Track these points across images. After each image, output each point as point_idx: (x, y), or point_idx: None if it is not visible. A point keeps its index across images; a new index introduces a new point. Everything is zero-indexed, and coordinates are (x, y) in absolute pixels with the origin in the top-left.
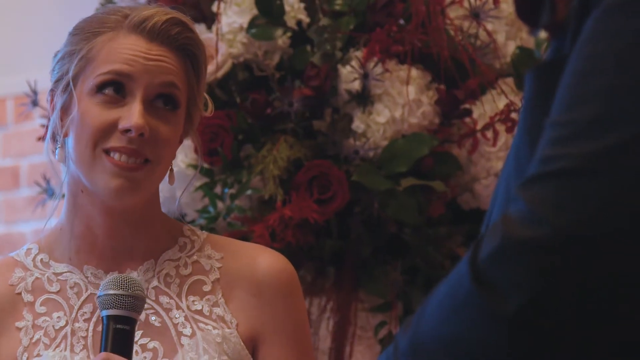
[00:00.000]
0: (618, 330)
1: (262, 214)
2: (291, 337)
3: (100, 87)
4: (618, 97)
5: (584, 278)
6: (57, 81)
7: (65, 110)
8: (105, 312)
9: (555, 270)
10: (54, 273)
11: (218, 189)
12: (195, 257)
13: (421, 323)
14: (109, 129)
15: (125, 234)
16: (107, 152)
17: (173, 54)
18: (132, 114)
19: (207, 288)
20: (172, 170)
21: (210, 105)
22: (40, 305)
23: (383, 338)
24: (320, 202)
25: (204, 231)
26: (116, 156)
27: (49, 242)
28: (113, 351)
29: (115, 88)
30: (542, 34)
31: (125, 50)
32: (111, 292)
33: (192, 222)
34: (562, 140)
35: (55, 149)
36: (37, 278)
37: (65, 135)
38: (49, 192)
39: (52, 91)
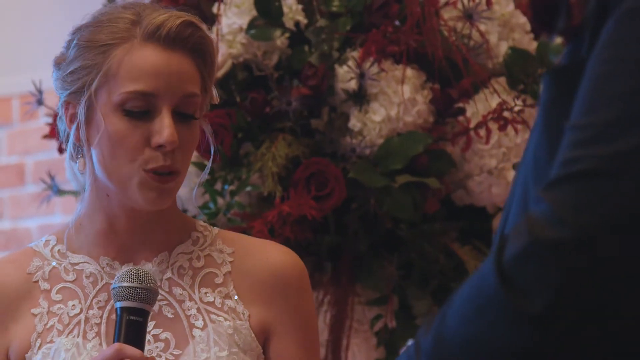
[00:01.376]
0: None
1: (261, 210)
2: (300, 330)
3: (126, 104)
4: (637, 101)
5: (607, 278)
6: (74, 93)
7: (88, 123)
8: (119, 304)
9: (579, 270)
10: (70, 263)
11: (218, 186)
12: (207, 251)
13: (444, 324)
14: (141, 145)
15: (145, 229)
16: (145, 170)
17: (188, 56)
18: (163, 130)
19: (218, 280)
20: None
21: (215, 94)
22: (56, 293)
23: (379, 331)
24: (317, 198)
25: (215, 227)
26: (156, 171)
27: (64, 235)
28: (126, 342)
29: (142, 104)
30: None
31: (146, 66)
32: (125, 284)
33: (193, 218)
34: (582, 143)
35: (76, 158)
36: (54, 267)
37: (89, 145)
38: (54, 189)
39: (67, 103)
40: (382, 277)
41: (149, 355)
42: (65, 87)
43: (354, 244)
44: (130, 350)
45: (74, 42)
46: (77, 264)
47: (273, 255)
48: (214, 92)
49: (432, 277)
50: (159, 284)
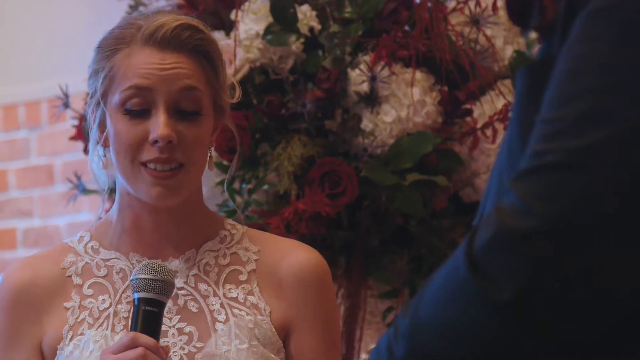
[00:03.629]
0: (605, 318)
1: (278, 207)
2: (321, 328)
3: (125, 104)
4: (602, 97)
5: (571, 267)
6: (91, 97)
7: (101, 124)
8: (136, 295)
9: (545, 259)
10: (102, 259)
11: (237, 185)
12: (234, 249)
13: (419, 307)
14: (141, 142)
15: (170, 227)
16: (144, 164)
17: (187, 58)
18: (158, 126)
19: (243, 277)
20: (211, 157)
21: (238, 90)
22: (88, 287)
23: (390, 322)
24: (331, 196)
25: (244, 226)
26: (152, 166)
27: (99, 232)
28: (142, 331)
29: (139, 103)
30: (533, 36)
31: (141, 65)
32: (142, 276)
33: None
34: (551, 136)
35: (100, 157)
36: (87, 263)
37: (106, 146)
38: (80, 188)
39: (89, 106)
40: (393, 271)
41: (165, 345)
42: (89, 91)
43: (366, 240)
44: (145, 338)
45: (94, 49)
46: (108, 260)
47: (296, 254)
48: (237, 90)
49: None
50: (177, 278)
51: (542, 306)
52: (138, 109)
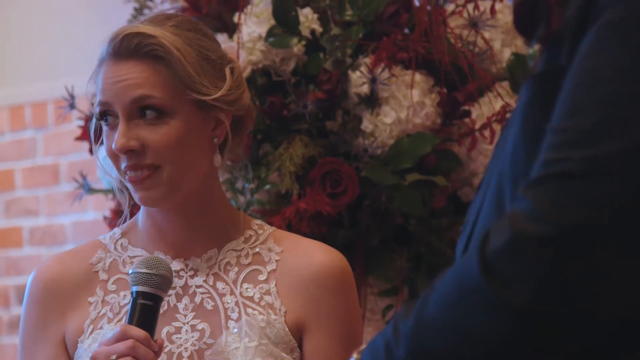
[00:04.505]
0: (617, 325)
1: (280, 207)
2: (336, 330)
3: (99, 118)
4: (617, 107)
5: (586, 273)
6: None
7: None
8: (134, 288)
9: (562, 264)
10: (129, 256)
11: (239, 184)
12: (257, 249)
13: (426, 310)
14: (115, 152)
15: (185, 227)
16: (123, 172)
17: (143, 64)
18: (116, 138)
19: (262, 277)
20: (217, 153)
21: (229, 80)
22: (112, 283)
23: (390, 320)
24: (332, 195)
25: (272, 226)
26: (129, 174)
27: (128, 229)
28: (136, 324)
29: (110, 116)
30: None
31: (103, 80)
32: (140, 270)
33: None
34: (564, 145)
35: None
36: (114, 259)
37: None
38: (85, 188)
39: None
40: (393, 269)
41: (159, 339)
42: None
43: (367, 239)
44: (136, 330)
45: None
46: (135, 257)
47: (317, 255)
48: (228, 80)
49: (440, 269)
50: (173, 274)
51: (556, 312)
52: (110, 122)
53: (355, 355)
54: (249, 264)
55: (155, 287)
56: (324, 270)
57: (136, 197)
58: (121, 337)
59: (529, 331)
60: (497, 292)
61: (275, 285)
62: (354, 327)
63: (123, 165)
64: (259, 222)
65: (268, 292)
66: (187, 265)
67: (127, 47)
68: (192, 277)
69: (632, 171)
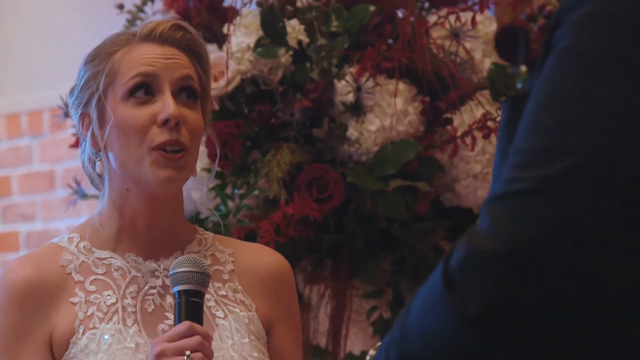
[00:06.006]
0: (563, 335)
1: (268, 211)
2: (296, 324)
3: (131, 92)
4: (565, 131)
5: (536, 285)
6: (87, 102)
7: (101, 124)
8: (177, 288)
9: (508, 279)
10: (97, 258)
11: (229, 190)
12: (211, 251)
13: (407, 319)
14: (148, 125)
15: (162, 227)
16: (154, 149)
17: (182, 54)
18: (167, 106)
19: (225, 277)
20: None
21: (215, 105)
22: (90, 284)
23: (375, 321)
24: (319, 201)
25: (208, 232)
26: (167, 148)
27: (85, 232)
28: (191, 321)
29: (145, 90)
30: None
31: (144, 56)
32: (182, 269)
33: (206, 219)
34: (521, 165)
35: (94, 162)
36: (83, 261)
37: (106, 146)
38: (79, 193)
39: (83, 115)
40: (378, 272)
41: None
42: (79, 102)
43: (352, 242)
44: (200, 328)
45: (82, 64)
46: (104, 259)
47: (266, 254)
48: (213, 101)
49: (423, 272)
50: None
51: (505, 322)
52: (143, 96)
53: (371, 351)
54: (210, 265)
55: (200, 284)
56: (278, 269)
57: (160, 175)
58: (188, 333)
59: (485, 341)
60: (455, 303)
61: (239, 284)
62: (300, 319)
63: (156, 140)
64: (198, 227)
65: (236, 290)
66: (159, 266)
67: (172, 36)
68: (167, 277)
69: (580, 189)
